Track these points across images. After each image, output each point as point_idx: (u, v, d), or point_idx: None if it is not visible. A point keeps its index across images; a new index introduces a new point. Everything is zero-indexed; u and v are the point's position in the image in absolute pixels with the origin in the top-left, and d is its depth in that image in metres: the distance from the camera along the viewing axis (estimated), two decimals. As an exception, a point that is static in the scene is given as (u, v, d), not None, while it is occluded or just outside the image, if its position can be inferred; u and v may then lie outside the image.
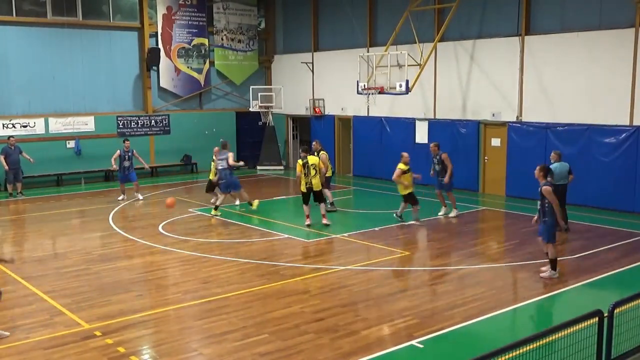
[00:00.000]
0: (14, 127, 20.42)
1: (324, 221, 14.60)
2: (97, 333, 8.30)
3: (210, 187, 17.19)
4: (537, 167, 10.61)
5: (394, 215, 15.13)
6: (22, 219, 16.30)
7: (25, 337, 8.22)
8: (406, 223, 14.90)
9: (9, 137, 19.21)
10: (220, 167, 16.24)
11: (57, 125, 21.30)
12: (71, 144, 21.55)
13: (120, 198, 18.17)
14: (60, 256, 12.57)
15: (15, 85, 20.56)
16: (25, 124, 20.67)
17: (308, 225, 14.59)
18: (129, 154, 18.19)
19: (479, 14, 18.80)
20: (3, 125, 20.23)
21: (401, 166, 14.45)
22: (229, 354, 7.65)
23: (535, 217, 11.01)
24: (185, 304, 9.50)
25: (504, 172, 18.38)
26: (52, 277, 11.05)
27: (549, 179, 10.50)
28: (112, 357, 7.60)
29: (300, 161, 14.60)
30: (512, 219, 15.65)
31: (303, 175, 14.47)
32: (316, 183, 14.51)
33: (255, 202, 16.48)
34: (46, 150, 20.88)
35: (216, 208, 16.01)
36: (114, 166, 18.47)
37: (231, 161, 16.12)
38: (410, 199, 14.70)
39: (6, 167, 18.81)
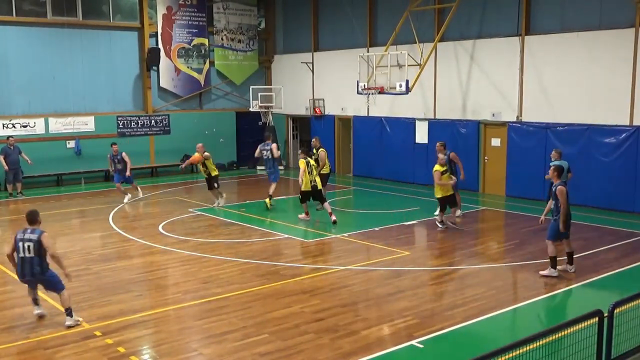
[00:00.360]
0: (14, 127, 20.42)
1: (334, 218, 14.70)
2: (97, 333, 8.31)
3: (211, 185, 17.10)
4: (551, 168, 10.76)
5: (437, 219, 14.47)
6: (22, 219, 16.22)
7: (26, 337, 8.23)
8: (406, 223, 14.89)
9: (8, 137, 19.22)
10: (265, 157, 17.00)
11: (57, 125, 21.30)
12: (71, 144, 21.55)
13: (126, 200, 17.99)
14: (61, 256, 12.52)
15: (15, 85, 20.56)
16: (25, 124, 20.67)
17: (304, 220, 14.99)
18: (118, 157, 17.85)
19: (479, 14, 18.81)
20: (3, 125, 20.23)
21: (437, 167, 13.85)
22: (229, 354, 7.65)
23: (542, 218, 11.04)
24: (185, 304, 9.50)
25: (504, 172, 18.38)
26: (52, 277, 11.03)
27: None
28: (112, 357, 7.61)
29: (303, 160, 14.82)
30: (512, 219, 15.65)
31: (307, 173, 14.64)
32: (319, 181, 14.86)
33: (268, 202, 16.55)
34: (46, 150, 20.88)
35: (270, 197, 16.62)
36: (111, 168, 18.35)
37: (276, 152, 16.74)
38: (447, 202, 14.03)
39: (6, 167, 18.81)
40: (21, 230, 8.69)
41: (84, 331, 8.39)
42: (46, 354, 7.72)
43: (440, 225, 14.25)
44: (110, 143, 18.45)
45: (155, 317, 8.96)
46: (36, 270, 8.51)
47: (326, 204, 14.91)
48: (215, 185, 17.01)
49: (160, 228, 14.59)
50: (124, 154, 17.97)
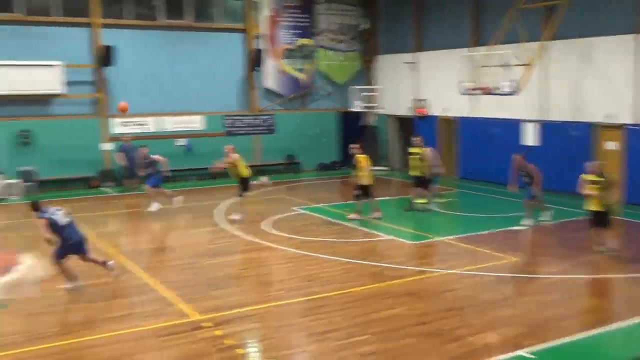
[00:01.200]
0: (130, 125, 21.60)
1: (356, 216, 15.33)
2: (206, 325, 8.57)
3: (246, 187, 15.76)
4: None
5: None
6: (136, 212, 17.12)
7: (140, 325, 8.63)
8: (513, 228, 14.33)
9: (124, 134, 20.46)
10: None
11: (168, 124, 22.30)
12: (181, 141, 22.47)
13: (153, 208, 16.48)
14: (170, 249, 13.10)
15: (131, 86, 21.65)
16: (139, 123, 21.80)
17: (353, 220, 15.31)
18: (146, 160, 16.88)
19: (591, 11, 17.85)
20: (121, 123, 21.44)
21: (586, 176, 12.21)
22: (332, 352, 7.67)
23: None
24: (287, 301, 9.61)
25: (620, 178, 17.33)
26: (163, 269, 11.55)
27: None
28: (219, 348, 7.83)
29: (363, 155, 15.46)
30: (630, 227, 14.71)
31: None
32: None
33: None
34: (157, 148, 21.66)
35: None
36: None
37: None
38: (599, 220, 11.97)
39: (124, 164, 20.10)
40: None
41: (194, 322, 8.68)
42: (159, 341, 8.06)
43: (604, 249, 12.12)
44: (139, 145, 17.58)
45: (259, 312, 9.13)
46: None
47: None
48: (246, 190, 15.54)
49: (264, 225, 14.89)
50: (152, 156, 16.82)
